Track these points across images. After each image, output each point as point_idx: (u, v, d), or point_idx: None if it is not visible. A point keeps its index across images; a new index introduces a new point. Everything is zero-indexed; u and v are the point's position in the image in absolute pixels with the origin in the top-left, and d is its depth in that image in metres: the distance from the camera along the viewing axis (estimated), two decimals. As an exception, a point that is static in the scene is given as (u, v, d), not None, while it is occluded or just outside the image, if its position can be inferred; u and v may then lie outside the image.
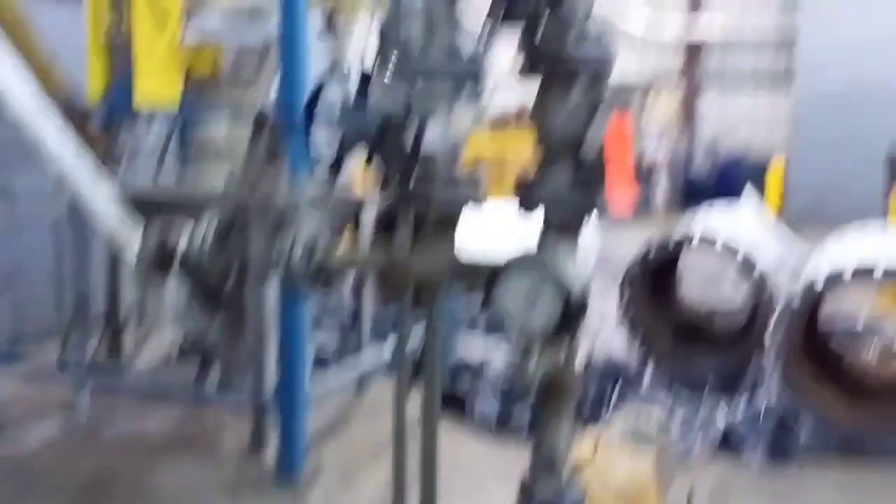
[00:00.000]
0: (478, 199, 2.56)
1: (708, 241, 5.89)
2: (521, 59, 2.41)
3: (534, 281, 2.17)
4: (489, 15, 2.47)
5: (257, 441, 4.77)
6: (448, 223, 2.56)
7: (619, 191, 2.22)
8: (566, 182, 2.34)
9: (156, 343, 5.87)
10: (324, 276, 2.52)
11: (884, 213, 10.32)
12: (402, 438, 3.16)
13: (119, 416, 5.36)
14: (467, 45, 2.55)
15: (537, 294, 2.17)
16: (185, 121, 5.67)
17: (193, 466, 4.71)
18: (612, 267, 10.19)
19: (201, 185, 5.03)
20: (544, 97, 2.40)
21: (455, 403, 5.42)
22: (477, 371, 6.03)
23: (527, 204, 2.38)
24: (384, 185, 2.38)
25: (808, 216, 15.17)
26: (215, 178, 4.96)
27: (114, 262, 5.93)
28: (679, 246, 6.00)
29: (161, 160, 6.07)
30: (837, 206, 15.22)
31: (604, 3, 2.34)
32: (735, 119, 21.58)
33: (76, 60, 4.69)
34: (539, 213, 2.39)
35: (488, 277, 2.23)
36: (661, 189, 18.30)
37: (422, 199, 2.52)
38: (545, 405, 2.56)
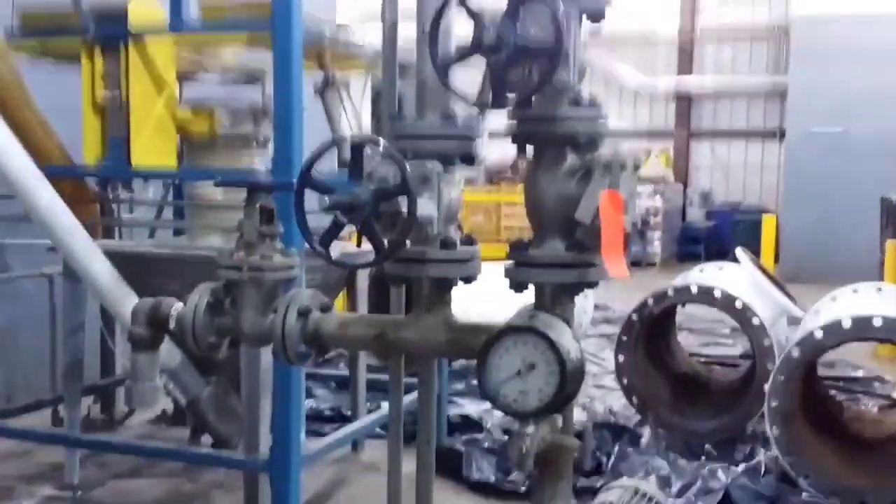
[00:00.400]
0: (473, 265, 2.55)
1: (706, 291, 5.87)
2: (513, 127, 2.42)
3: (528, 354, 2.14)
4: (483, 81, 2.49)
5: (251, 502, 4.70)
6: (443, 288, 2.55)
7: (615, 254, 2.20)
8: (560, 249, 2.34)
9: (150, 401, 5.82)
10: (318, 345, 2.50)
11: (880, 260, 10.33)
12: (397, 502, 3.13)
13: (111, 476, 5.30)
14: (462, 108, 2.56)
15: (531, 368, 2.13)
16: (181, 181, 5.70)
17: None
18: (608, 319, 10.25)
19: (197, 245, 5.03)
20: (538, 163, 2.41)
21: (451, 459, 5.35)
22: (475, 425, 5.98)
23: (518, 279, 2.37)
24: (378, 250, 2.37)
25: (803, 266, 15.22)
26: (211, 238, 4.97)
27: (108, 323, 5.92)
28: (676, 297, 5.98)
29: (157, 220, 6.10)
30: (833, 255, 15.30)
31: (596, 62, 2.35)
32: (728, 169, 21.76)
33: (72, 122, 4.71)
34: (531, 287, 2.38)
35: (483, 347, 2.21)
36: (657, 241, 18.35)
37: (416, 265, 2.51)
38: (543, 472, 2.53)
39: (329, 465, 5.42)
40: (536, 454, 2.22)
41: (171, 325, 2.55)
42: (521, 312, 2.40)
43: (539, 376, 2.14)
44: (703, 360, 7.82)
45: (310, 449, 4.56)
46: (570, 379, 2.15)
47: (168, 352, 4.31)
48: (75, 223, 4.30)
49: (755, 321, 5.72)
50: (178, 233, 5.78)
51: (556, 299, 2.35)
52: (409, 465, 3.02)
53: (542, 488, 2.53)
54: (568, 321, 2.32)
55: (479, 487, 5.21)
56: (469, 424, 6.00)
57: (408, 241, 2.42)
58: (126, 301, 4.23)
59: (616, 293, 10.22)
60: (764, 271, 6.95)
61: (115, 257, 4.47)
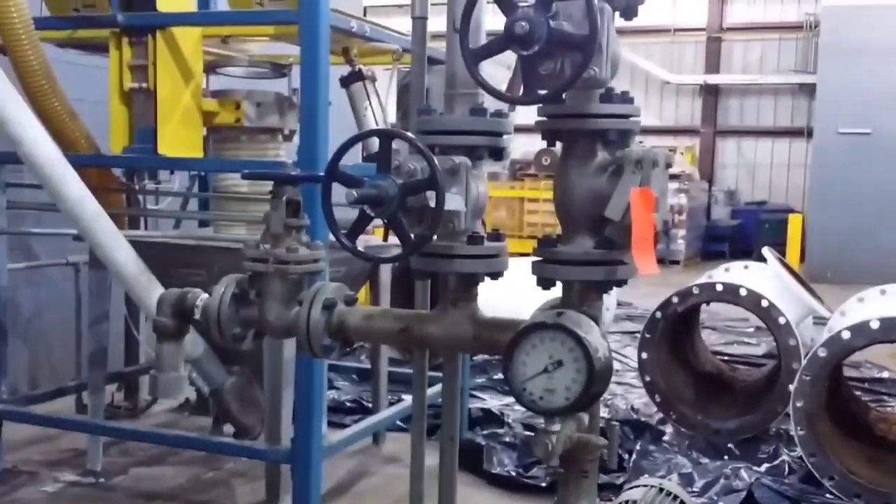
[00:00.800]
0: (500, 261, 2.53)
1: (731, 290, 5.82)
2: (543, 122, 2.39)
3: (555, 351, 2.12)
4: (513, 75, 2.47)
5: (272, 494, 4.72)
6: (469, 283, 2.53)
7: (645, 251, 2.17)
8: (589, 246, 2.31)
9: (173, 390, 5.85)
10: (343, 338, 2.49)
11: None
12: (419, 497, 3.12)
13: (133, 464, 5.33)
14: (491, 102, 2.54)
15: (559, 366, 2.11)
16: (207, 173, 5.71)
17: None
18: (631, 316, 10.19)
19: (222, 235, 5.05)
20: (568, 159, 2.38)
21: (472, 452, 5.34)
22: (495, 419, 5.96)
23: (545, 276, 2.35)
24: (404, 245, 2.35)
25: (830, 266, 15.08)
26: (236, 230, 4.98)
27: (132, 311, 5.95)
28: (701, 295, 5.93)
29: (182, 210, 6.12)
30: (860, 255, 15.14)
31: (623, 56, 2.32)
32: (754, 167, 21.60)
33: (99, 109, 4.73)
34: (558, 285, 2.36)
35: (510, 343, 2.19)
36: (681, 239, 18.22)
37: (443, 260, 2.49)
38: (568, 470, 2.51)
39: (350, 457, 5.42)
40: (562, 452, 2.20)
41: (197, 315, 2.55)
42: (547, 308, 2.38)
43: (566, 374, 2.12)
44: (726, 358, 7.77)
45: (331, 440, 4.56)
46: (597, 377, 2.13)
47: (192, 342, 4.32)
48: (101, 212, 4.31)
49: (781, 320, 5.67)
50: (203, 224, 5.80)
51: (584, 296, 2.33)
52: (429, 459, 3.01)
53: (566, 486, 2.51)
54: (596, 319, 2.30)
55: (500, 481, 5.19)
56: (490, 418, 5.99)
57: (434, 236, 2.40)
58: (151, 291, 4.25)
59: (639, 290, 10.16)
60: (790, 271, 6.89)
61: (141, 247, 4.49)
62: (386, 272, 5.40)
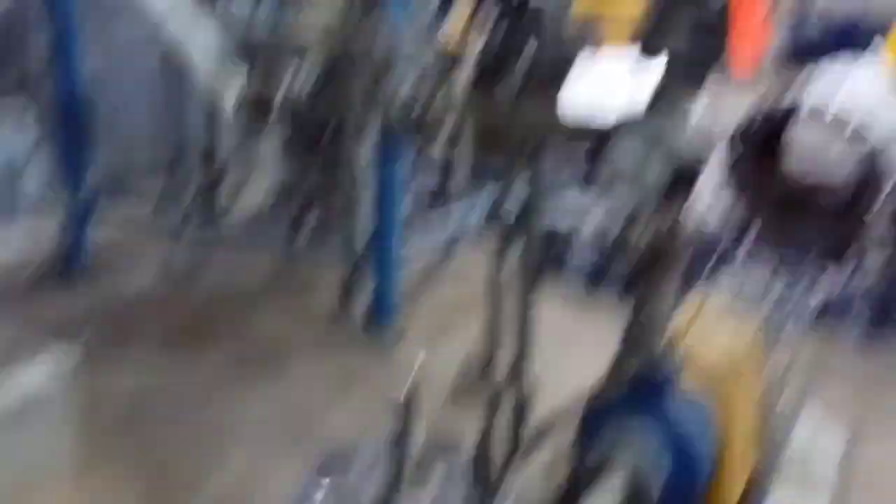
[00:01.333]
0: (587, 53, 2.42)
1: (817, 112, 5.57)
2: None
3: (645, 143, 2.05)
4: None
5: (348, 295, 4.80)
6: (556, 77, 2.43)
7: (745, 47, 2.03)
8: (687, 32, 2.17)
9: (251, 193, 5.87)
10: (423, 126, 2.44)
11: None
12: (497, 292, 3.14)
13: (213, 265, 5.38)
14: None
15: (648, 157, 2.04)
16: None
17: (285, 319, 4.75)
18: (714, 128, 9.86)
19: (301, 27, 4.91)
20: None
21: (547, 262, 5.33)
22: (567, 237, 5.91)
23: (649, 48, 2.21)
24: (490, 36, 2.25)
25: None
26: (316, 20, 4.83)
27: (211, 110, 5.93)
28: (787, 115, 5.69)
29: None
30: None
31: None
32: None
33: None
34: (656, 66, 2.24)
35: (597, 137, 2.12)
36: (771, 45, 17.30)
37: (529, 53, 2.39)
38: (647, 271, 2.48)
39: (425, 263, 5.39)
40: (643, 250, 2.17)
41: (278, 102, 2.51)
42: (639, 104, 2.28)
43: (653, 167, 2.05)
44: (809, 179, 7.54)
45: (407, 244, 4.55)
46: (683, 175, 2.06)
47: (271, 137, 4.26)
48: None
49: (869, 142, 5.43)
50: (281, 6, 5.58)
51: (679, 87, 2.21)
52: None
53: (644, 287, 2.49)
54: (686, 113, 2.20)
55: (575, 283, 5.20)
56: (562, 236, 5.91)
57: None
58: (230, 79, 4.16)
59: (727, 99, 9.79)
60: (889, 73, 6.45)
61: (220, 34, 4.34)
62: (468, 66, 5.21)
